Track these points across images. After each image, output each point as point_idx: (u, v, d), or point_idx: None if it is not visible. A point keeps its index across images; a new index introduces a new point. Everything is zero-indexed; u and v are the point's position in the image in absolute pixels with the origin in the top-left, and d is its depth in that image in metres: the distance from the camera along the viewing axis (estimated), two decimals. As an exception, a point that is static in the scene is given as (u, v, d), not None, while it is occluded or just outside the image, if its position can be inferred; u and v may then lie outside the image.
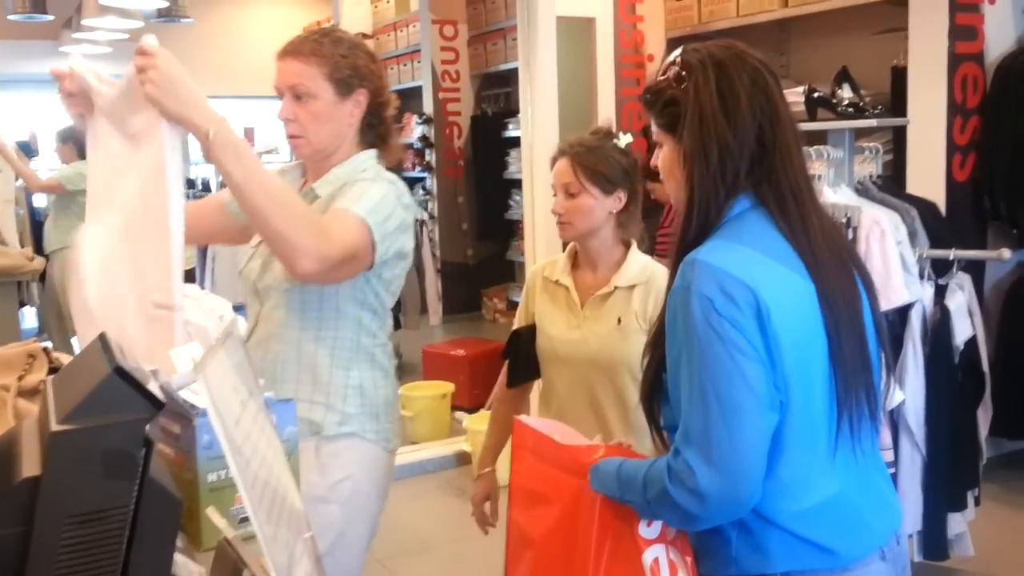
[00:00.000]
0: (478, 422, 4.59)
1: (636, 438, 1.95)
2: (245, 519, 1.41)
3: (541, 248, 4.87)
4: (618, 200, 2.07)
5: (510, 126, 7.54)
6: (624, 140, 2.10)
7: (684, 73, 1.45)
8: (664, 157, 1.51)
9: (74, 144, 6.15)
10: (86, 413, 0.92)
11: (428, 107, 8.22)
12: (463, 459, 4.77)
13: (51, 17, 7.02)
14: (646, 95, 1.53)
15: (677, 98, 1.45)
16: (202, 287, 5.29)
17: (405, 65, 8.65)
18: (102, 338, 1.07)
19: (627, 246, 2.13)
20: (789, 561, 1.41)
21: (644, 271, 2.08)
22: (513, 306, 7.93)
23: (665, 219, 3.68)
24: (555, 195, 2.11)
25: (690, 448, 1.32)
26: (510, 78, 7.57)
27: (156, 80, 1.41)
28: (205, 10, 9.89)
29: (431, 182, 8.33)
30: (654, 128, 1.52)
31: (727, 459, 1.30)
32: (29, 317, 6.88)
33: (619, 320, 2.03)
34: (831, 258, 1.44)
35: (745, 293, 1.34)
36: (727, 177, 1.42)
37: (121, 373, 0.93)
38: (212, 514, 1.22)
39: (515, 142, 7.45)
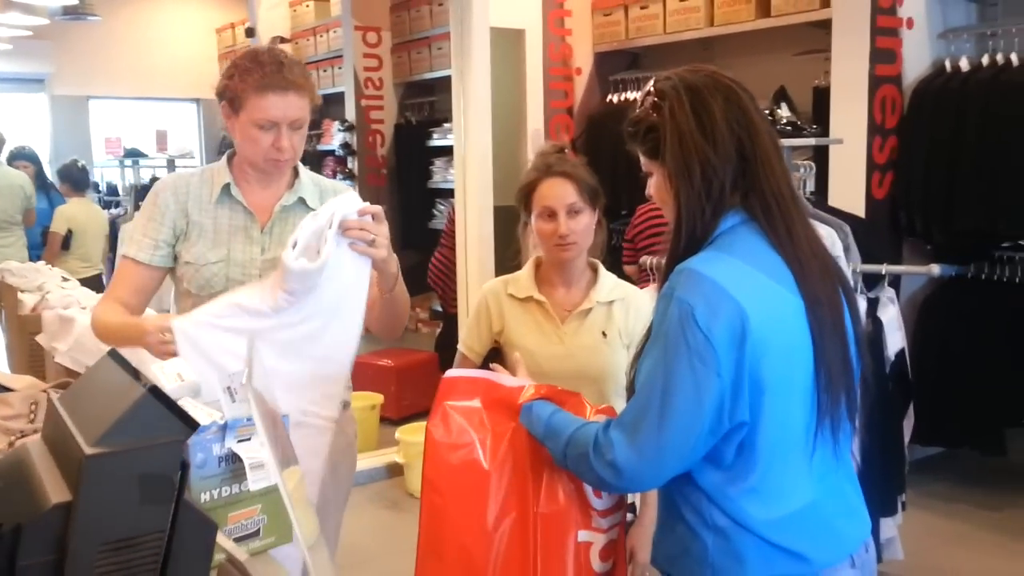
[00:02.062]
0: (411, 433, 4.56)
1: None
2: (240, 538, 1.39)
3: (473, 259, 4.86)
4: (598, 214, 2.08)
5: (434, 135, 7.52)
6: None
7: (659, 100, 1.51)
8: (655, 184, 1.56)
9: None
10: (120, 435, 0.89)
11: (350, 114, 8.13)
12: (394, 470, 4.74)
13: (-46, 12, 6.72)
14: (628, 128, 1.57)
15: (656, 124, 1.51)
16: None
17: (325, 71, 8.55)
18: (114, 355, 1.04)
19: (592, 262, 2.13)
20: (764, 568, 1.46)
21: (618, 287, 2.10)
22: (437, 315, 7.94)
23: (629, 231, 3.73)
24: (546, 218, 2.03)
25: (619, 429, 1.45)
26: (435, 87, 7.56)
27: (382, 244, 1.80)
28: (113, 8, 9.57)
29: (353, 190, 8.22)
30: (642, 159, 1.57)
31: (648, 451, 1.42)
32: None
33: (604, 334, 2.04)
34: (816, 264, 1.50)
35: (729, 304, 1.39)
36: (712, 193, 1.47)
37: (156, 393, 0.91)
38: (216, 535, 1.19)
39: (439, 151, 7.44)
